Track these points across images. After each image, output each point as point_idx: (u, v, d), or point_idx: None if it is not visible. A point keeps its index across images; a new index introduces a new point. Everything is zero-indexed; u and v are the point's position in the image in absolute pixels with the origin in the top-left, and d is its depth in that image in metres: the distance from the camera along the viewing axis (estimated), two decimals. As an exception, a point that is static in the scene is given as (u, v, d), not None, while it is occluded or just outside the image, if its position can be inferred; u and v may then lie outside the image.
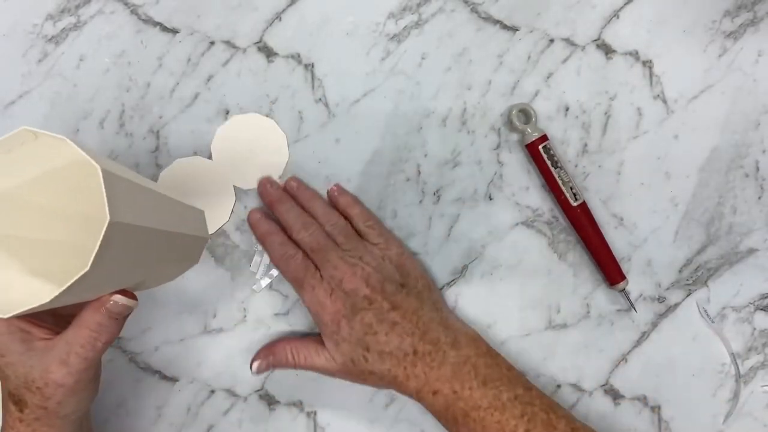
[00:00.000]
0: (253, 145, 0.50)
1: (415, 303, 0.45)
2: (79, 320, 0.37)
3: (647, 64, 0.50)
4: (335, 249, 0.46)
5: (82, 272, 0.30)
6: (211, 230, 0.49)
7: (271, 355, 0.47)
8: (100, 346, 0.37)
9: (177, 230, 0.38)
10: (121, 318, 0.37)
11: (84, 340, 0.36)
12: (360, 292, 0.44)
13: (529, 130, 0.48)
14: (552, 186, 0.48)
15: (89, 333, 0.36)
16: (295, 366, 0.47)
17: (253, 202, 0.50)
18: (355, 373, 0.45)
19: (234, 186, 0.49)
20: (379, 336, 0.43)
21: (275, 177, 0.50)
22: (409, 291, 0.45)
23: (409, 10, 0.50)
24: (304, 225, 0.47)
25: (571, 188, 0.48)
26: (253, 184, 0.49)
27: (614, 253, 0.49)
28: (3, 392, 0.39)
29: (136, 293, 0.38)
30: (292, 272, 0.46)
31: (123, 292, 0.37)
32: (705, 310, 0.50)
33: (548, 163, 0.48)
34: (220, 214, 0.49)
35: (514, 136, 0.50)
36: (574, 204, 0.48)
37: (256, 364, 0.47)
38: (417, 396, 0.44)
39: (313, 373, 0.48)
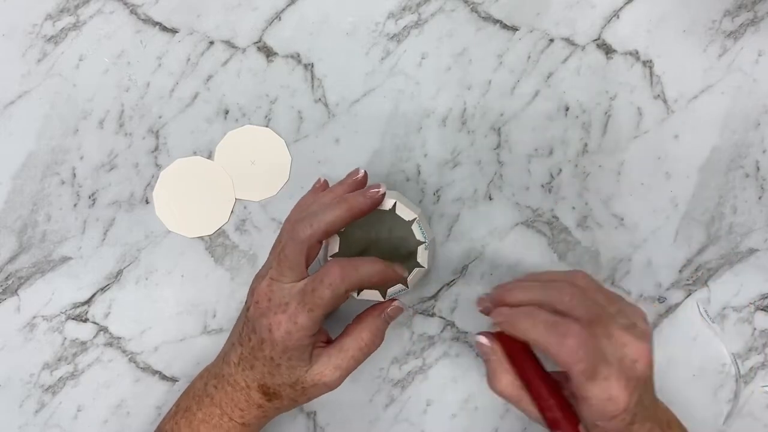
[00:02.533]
0: (255, 157, 0.50)
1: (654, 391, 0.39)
2: (359, 327, 0.41)
3: (647, 64, 0.50)
4: (612, 317, 0.36)
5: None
6: (211, 230, 0.49)
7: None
8: (374, 350, 0.41)
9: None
10: (391, 322, 0.43)
11: (363, 343, 0.41)
12: (649, 372, 0.36)
13: None
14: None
15: (370, 337, 0.41)
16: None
17: (254, 205, 0.50)
18: None
19: (238, 198, 0.50)
20: None
21: (280, 184, 0.49)
22: None
23: (408, 10, 0.50)
24: (567, 291, 0.37)
25: None
26: (256, 197, 0.50)
27: (614, 253, 0.49)
28: (246, 381, 0.41)
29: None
30: (577, 354, 0.34)
31: (397, 300, 0.43)
32: (705, 311, 0.50)
33: None
34: (219, 214, 0.49)
35: (514, 137, 0.50)
36: None
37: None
38: None
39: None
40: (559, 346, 0.35)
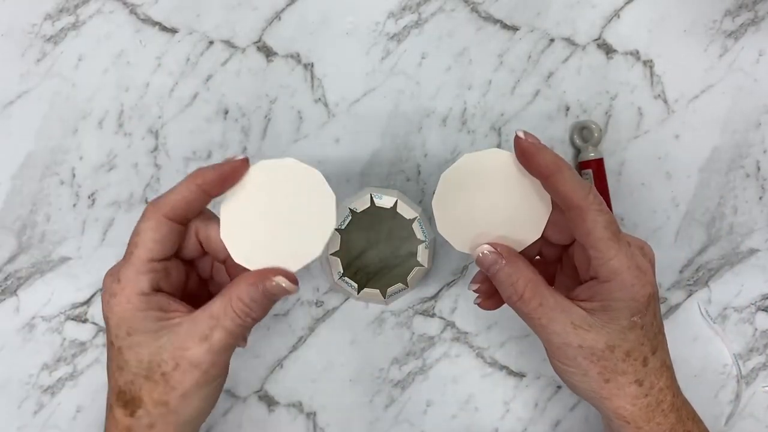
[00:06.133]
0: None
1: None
2: (231, 292, 0.31)
3: (648, 64, 0.50)
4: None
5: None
6: None
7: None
8: (250, 323, 0.32)
9: None
10: (275, 300, 0.33)
11: (234, 313, 0.31)
12: (653, 289, 0.34)
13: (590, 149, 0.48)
14: None
15: (242, 307, 0.31)
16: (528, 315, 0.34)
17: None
18: (597, 368, 0.34)
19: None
20: (660, 350, 0.35)
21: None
22: None
23: (409, 10, 0.50)
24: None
25: None
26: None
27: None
28: (110, 397, 0.33)
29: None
30: (602, 207, 0.33)
31: (286, 273, 0.32)
32: (706, 311, 0.50)
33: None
34: None
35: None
36: None
37: None
38: (642, 416, 0.35)
39: (313, 373, 0.48)
40: (583, 192, 0.32)
